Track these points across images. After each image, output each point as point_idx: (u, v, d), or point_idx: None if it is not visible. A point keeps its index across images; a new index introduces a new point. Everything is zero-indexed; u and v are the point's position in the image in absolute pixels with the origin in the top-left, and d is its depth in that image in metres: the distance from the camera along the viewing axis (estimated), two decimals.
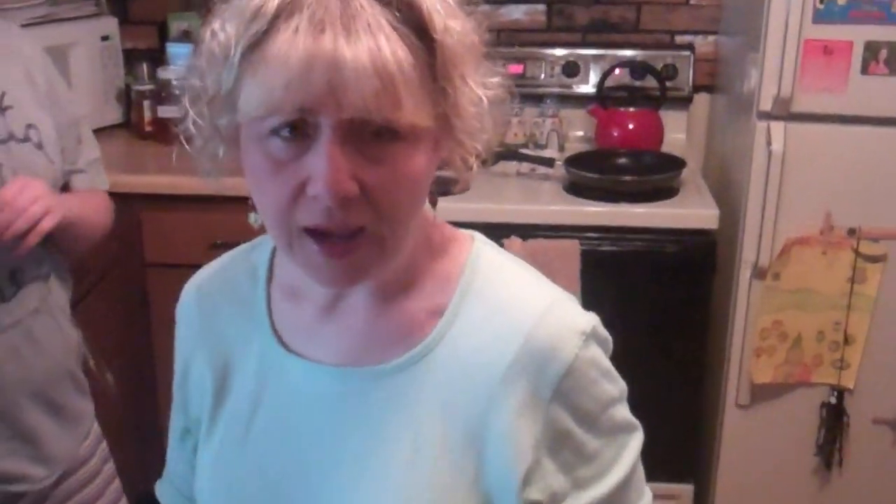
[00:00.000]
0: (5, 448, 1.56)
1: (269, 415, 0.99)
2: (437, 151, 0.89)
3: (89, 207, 1.69)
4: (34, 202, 1.48)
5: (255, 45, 0.81)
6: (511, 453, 0.89)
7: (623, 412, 0.97)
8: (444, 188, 0.95)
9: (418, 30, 0.82)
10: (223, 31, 0.83)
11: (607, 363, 0.95)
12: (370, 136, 0.81)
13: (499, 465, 0.90)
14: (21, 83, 1.59)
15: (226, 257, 1.10)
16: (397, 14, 0.81)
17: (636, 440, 0.99)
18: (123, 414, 2.29)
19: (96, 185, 1.76)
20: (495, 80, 0.90)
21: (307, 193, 0.81)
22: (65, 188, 1.68)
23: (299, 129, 0.81)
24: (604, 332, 0.95)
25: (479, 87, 0.87)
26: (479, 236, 1.01)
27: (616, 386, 0.96)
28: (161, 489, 1.18)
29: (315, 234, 0.84)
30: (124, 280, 2.62)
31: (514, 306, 0.92)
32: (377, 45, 0.79)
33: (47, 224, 1.50)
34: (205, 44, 0.85)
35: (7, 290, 1.53)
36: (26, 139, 1.55)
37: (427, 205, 0.95)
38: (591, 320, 0.94)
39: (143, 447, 2.25)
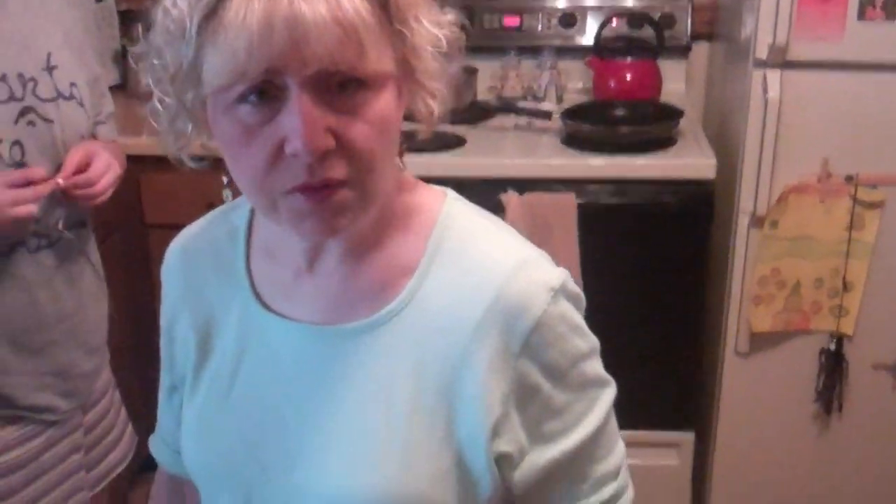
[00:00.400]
0: (39, 383, 1.67)
1: (250, 372, 1.01)
2: (402, 97, 0.90)
3: (120, 159, 1.80)
4: (108, 169, 1.64)
5: (211, 14, 0.80)
6: (481, 407, 0.90)
7: (594, 367, 0.98)
8: (409, 141, 0.95)
9: None
10: (175, 6, 0.82)
11: (578, 319, 0.95)
12: (336, 88, 0.82)
13: (469, 419, 0.91)
14: (61, 42, 1.66)
15: (207, 218, 1.11)
16: None
17: (607, 395, 0.99)
18: (127, 372, 2.32)
19: (115, 136, 1.85)
20: (448, 17, 0.91)
21: (286, 152, 0.82)
22: None
23: (267, 93, 0.81)
24: (574, 289, 0.95)
25: (434, 26, 0.89)
26: (451, 193, 1.01)
27: (586, 341, 0.96)
28: (153, 443, 1.21)
29: (298, 190, 0.84)
30: (126, 242, 2.64)
31: (484, 263, 0.93)
32: None
33: (115, 183, 1.67)
34: (158, 22, 0.85)
35: (53, 235, 1.63)
36: (71, 97, 1.64)
37: (399, 163, 0.96)
38: (560, 275, 0.94)
39: (146, 404, 2.29)
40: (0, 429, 1.63)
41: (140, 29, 2.78)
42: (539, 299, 0.91)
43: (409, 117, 0.94)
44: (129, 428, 1.94)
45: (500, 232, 0.98)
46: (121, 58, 3.02)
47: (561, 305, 0.92)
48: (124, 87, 2.98)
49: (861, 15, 2.16)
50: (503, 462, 0.93)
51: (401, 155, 0.95)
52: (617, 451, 1.01)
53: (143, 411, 1.22)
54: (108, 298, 1.86)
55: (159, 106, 0.90)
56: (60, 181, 1.58)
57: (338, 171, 0.83)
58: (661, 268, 2.43)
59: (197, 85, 0.85)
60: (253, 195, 0.89)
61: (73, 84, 1.65)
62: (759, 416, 2.50)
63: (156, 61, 0.87)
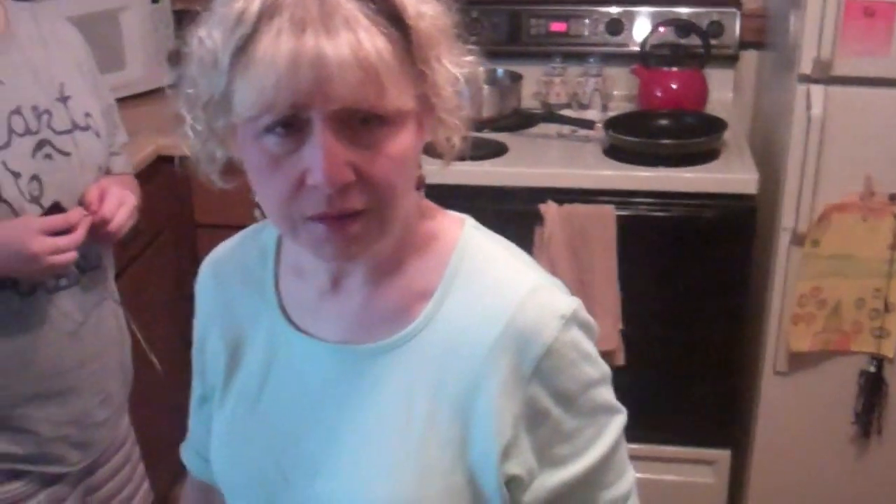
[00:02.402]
0: (57, 432, 1.63)
1: (276, 387, 1.05)
2: (421, 131, 0.93)
3: (136, 190, 1.77)
4: (121, 205, 1.61)
5: (242, 48, 0.84)
6: (493, 429, 0.93)
7: (605, 394, 1.00)
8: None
9: (393, 18, 0.86)
10: (210, 38, 0.87)
11: (588, 346, 0.97)
12: (358, 123, 0.85)
13: (482, 439, 0.94)
14: (74, 72, 1.65)
15: (238, 236, 1.16)
16: (372, 6, 0.85)
17: (617, 422, 1.01)
18: (174, 374, 2.37)
19: (128, 168, 1.83)
20: (469, 58, 0.94)
21: (307, 184, 0.86)
22: None
23: (292, 125, 0.85)
24: (586, 317, 0.98)
25: (455, 66, 0.92)
26: (469, 220, 1.04)
27: (596, 368, 0.98)
28: (184, 451, 1.25)
29: (317, 218, 0.88)
30: (176, 240, 2.70)
31: (498, 289, 0.96)
32: (357, 38, 0.83)
33: (129, 222, 1.64)
34: (193, 51, 0.89)
35: (71, 276, 1.60)
36: (87, 127, 1.62)
37: (419, 192, 0.99)
38: (572, 304, 0.96)
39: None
40: (2, 484, 1.58)
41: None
42: (550, 326, 0.93)
43: (429, 149, 0.97)
44: (146, 485, 1.89)
45: (515, 259, 1.01)
46: (175, 58, 3.07)
47: (572, 333, 0.95)
48: (178, 88, 3.04)
49: None
50: (513, 484, 0.95)
51: (420, 185, 0.98)
52: (626, 478, 1.02)
53: (184, 410, 1.26)
54: (130, 345, 1.81)
55: (190, 132, 0.94)
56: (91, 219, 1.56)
57: (356, 202, 0.87)
58: (700, 283, 2.42)
59: (227, 113, 0.89)
60: (276, 219, 0.93)
61: (87, 114, 1.63)
62: (797, 436, 2.47)
63: (190, 90, 0.92)
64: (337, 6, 0.83)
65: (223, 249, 1.16)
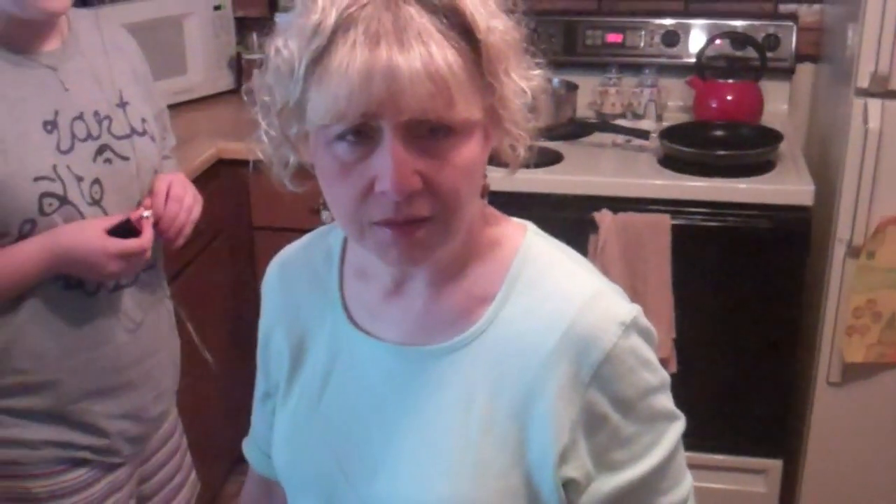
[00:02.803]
0: (115, 426, 1.69)
1: (338, 386, 1.07)
2: (488, 140, 0.95)
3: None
4: (187, 194, 1.68)
5: (317, 59, 0.87)
6: (551, 432, 0.95)
7: (663, 401, 1.00)
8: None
9: (464, 32, 0.88)
10: (286, 47, 0.90)
11: (648, 353, 0.98)
12: (427, 133, 0.88)
13: (539, 442, 0.95)
14: (130, 79, 1.70)
15: (306, 238, 1.18)
16: (444, 20, 0.87)
17: (676, 429, 1.01)
18: (228, 372, 2.42)
19: (178, 170, 1.88)
20: (536, 72, 0.97)
21: (375, 191, 0.89)
22: None
23: (363, 133, 0.88)
24: (646, 324, 0.99)
25: (522, 79, 0.94)
26: (531, 227, 1.06)
27: (656, 375, 0.99)
28: (246, 446, 1.28)
29: (384, 224, 0.91)
30: (233, 242, 2.75)
31: (559, 295, 0.98)
32: (428, 51, 0.85)
33: (197, 213, 1.70)
34: (270, 60, 0.93)
35: (130, 276, 1.66)
36: (144, 132, 1.68)
37: (482, 199, 1.01)
38: (632, 311, 0.97)
39: (245, 399, 2.39)
40: (66, 472, 1.65)
41: (255, 38, 2.91)
42: (610, 332, 0.95)
43: (493, 158, 0.99)
44: (193, 474, 1.94)
45: (576, 265, 1.03)
46: (236, 63, 3.14)
47: (631, 340, 0.96)
48: (238, 92, 3.11)
49: None
50: (570, 487, 0.97)
51: (484, 192, 1.01)
52: (683, 485, 1.03)
53: (243, 406, 1.29)
54: (179, 342, 1.88)
55: (265, 137, 0.98)
56: (147, 214, 1.62)
57: (423, 209, 0.90)
58: (754, 293, 2.42)
59: (301, 120, 0.92)
60: (344, 223, 0.96)
61: (143, 119, 1.68)
62: (849, 447, 2.46)
63: (266, 97, 0.95)
64: (410, 20, 0.86)
65: (290, 251, 1.19)
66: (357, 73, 0.85)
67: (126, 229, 1.59)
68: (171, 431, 1.85)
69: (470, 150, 0.91)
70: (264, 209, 2.75)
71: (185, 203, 1.69)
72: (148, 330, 1.72)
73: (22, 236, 1.52)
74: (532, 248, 1.02)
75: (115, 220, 1.58)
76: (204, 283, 2.54)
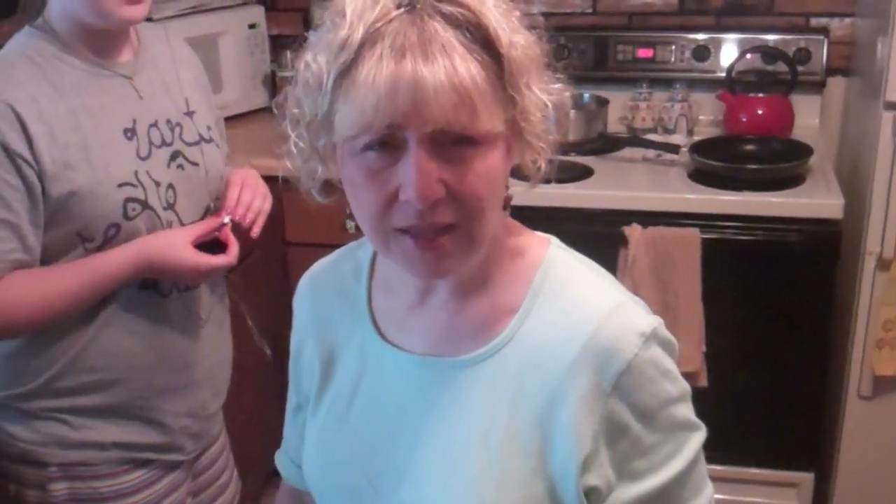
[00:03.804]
0: (179, 423, 1.75)
1: (366, 397, 1.10)
2: (510, 153, 0.98)
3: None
4: (259, 184, 1.77)
5: (345, 72, 0.91)
6: (573, 441, 0.96)
7: (684, 411, 1.01)
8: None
9: (487, 46, 0.91)
10: (315, 62, 0.93)
11: (669, 364, 1.00)
12: (450, 143, 0.91)
13: (562, 451, 0.97)
14: (195, 88, 1.77)
15: (336, 253, 1.21)
16: (467, 34, 0.90)
17: (696, 439, 1.02)
18: (263, 385, 2.45)
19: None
20: (557, 86, 0.99)
21: (400, 199, 0.92)
22: None
23: (389, 144, 0.91)
24: (666, 335, 1.00)
25: (544, 93, 0.97)
26: (554, 240, 1.08)
27: (676, 386, 1.00)
28: (279, 457, 1.31)
29: (409, 231, 0.94)
30: (267, 257, 2.78)
31: (581, 307, 0.99)
32: (452, 64, 0.88)
33: (269, 205, 1.77)
34: (300, 74, 0.96)
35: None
36: (210, 139, 1.74)
37: (504, 212, 1.03)
38: (653, 322, 0.99)
39: (278, 412, 2.42)
40: (130, 471, 1.70)
41: (289, 55, 2.96)
42: (631, 343, 0.96)
43: (517, 171, 1.02)
44: (236, 474, 1.99)
45: (598, 278, 1.05)
46: (270, 81, 3.19)
47: (652, 350, 0.98)
48: (271, 110, 3.15)
49: None
50: (592, 495, 0.98)
51: (506, 204, 1.03)
52: (704, 495, 1.04)
53: (277, 420, 1.32)
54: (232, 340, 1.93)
55: (294, 149, 1.01)
56: (227, 220, 1.70)
57: (446, 216, 0.92)
58: (785, 307, 2.42)
59: (329, 132, 0.95)
60: (370, 232, 0.98)
61: (208, 127, 1.75)
62: (881, 461, 2.45)
63: (295, 110, 0.98)
64: (435, 34, 0.89)
65: (321, 265, 1.22)
66: (383, 85, 0.87)
67: (212, 241, 1.66)
68: (219, 429, 1.91)
69: (492, 161, 0.94)
70: (298, 225, 2.78)
71: (259, 191, 1.76)
72: (211, 328, 1.78)
73: (107, 240, 1.57)
74: (555, 260, 1.04)
75: (198, 229, 1.65)
76: (239, 299, 2.57)
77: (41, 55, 1.55)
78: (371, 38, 0.89)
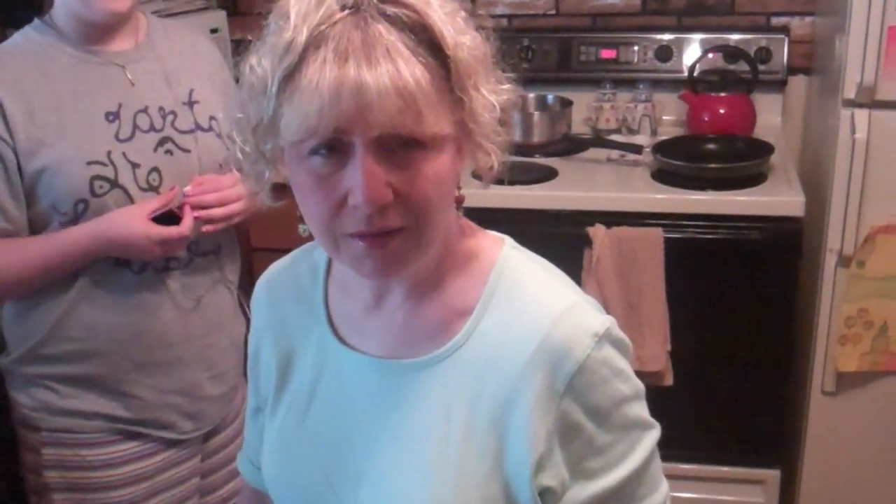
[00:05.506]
0: (162, 399, 1.81)
1: (324, 399, 1.10)
2: (460, 154, 0.98)
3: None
4: (233, 185, 1.77)
5: (289, 76, 0.90)
6: (527, 441, 0.96)
7: (637, 410, 1.02)
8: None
9: (432, 48, 0.90)
10: (259, 65, 0.93)
11: (622, 363, 1.00)
12: (397, 146, 0.90)
13: (516, 451, 0.97)
14: (205, 80, 1.83)
15: (292, 255, 1.21)
16: (412, 36, 0.90)
17: (650, 437, 1.03)
18: None
19: None
20: (506, 87, 0.99)
21: (349, 204, 0.91)
22: None
23: (335, 148, 0.90)
24: (619, 334, 1.01)
25: (492, 94, 0.96)
26: (508, 240, 1.08)
27: (629, 385, 1.01)
28: (240, 459, 1.31)
29: (357, 235, 0.93)
30: None
31: (534, 308, 0.99)
32: (396, 68, 0.88)
33: (236, 208, 1.77)
34: (245, 78, 0.95)
35: (182, 258, 1.79)
36: (210, 129, 1.80)
37: (458, 212, 1.04)
38: (605, 322, 0.99)
39: None
40: (118, 443, 1.78)
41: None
42: (583, 344, 0.96)
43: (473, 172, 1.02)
44: None
45: (551, 278, 1.05)
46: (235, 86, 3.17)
47: (604, 350, 0.98)
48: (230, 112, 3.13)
49: None
50: (547, 495, 0.98)
51: (459, 204, 1.03)
52: (660, 492, 1.04)
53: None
54: (245, 327, 1.93)
55: (240, 154, 1.00)
56: (187, 190, 1.72)
57: (395, 220, 0.92)
58: (747, 304, 2.44)
59: (275, 136, 0.94)
60: (319, 235, 0.98)
61: (212, 118, 1.79)
62: (846, 456, 2.47)
63: (240, 114, 0.97)
64: (379, 37, 0.88)
65: (278, 267, 1.21)
66: (327, 90, 0.87)
67: (169, 216, 1.70)
68: (235, 414, 1.95)
69: (441, 163, 0.93)
70: (262, 231, 2.77)
71: (222, 184, 1.76)
72: (200, 312, 1.82)
73: (78, 215, 1.67)
74: (509, 261, 1.04)
75: (156, 204, 1.69)
76: None
77: (38, 44, 1.71)
78: (315, 42, 0.89)
